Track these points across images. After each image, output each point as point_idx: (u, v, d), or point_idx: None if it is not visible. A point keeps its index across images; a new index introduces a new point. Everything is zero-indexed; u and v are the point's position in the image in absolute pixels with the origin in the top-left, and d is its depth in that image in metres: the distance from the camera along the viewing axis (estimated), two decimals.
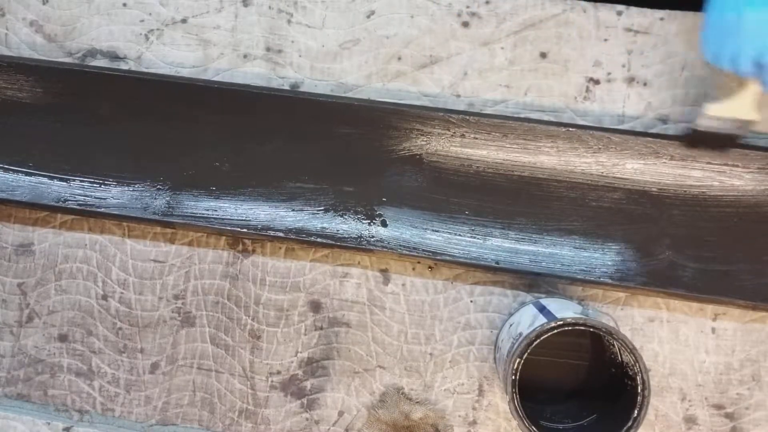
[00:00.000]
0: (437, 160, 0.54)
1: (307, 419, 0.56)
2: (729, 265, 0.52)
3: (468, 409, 0.55)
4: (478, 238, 0.53)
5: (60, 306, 0.58)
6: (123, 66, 0.59)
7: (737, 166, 0.52)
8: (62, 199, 0.56)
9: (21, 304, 0.58)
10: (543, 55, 0.56)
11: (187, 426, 0.57)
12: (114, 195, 0.56)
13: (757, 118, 0.50)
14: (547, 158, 0.53)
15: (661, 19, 0.56)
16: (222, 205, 0.55)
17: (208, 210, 0.55)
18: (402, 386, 0.55)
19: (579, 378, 0.54)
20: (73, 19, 0.59)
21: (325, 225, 0.54)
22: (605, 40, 0.56)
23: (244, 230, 0.54)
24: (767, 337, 0.53)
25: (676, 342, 0.54)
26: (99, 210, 0.56)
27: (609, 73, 0.56)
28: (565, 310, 0.48)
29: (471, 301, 0.55)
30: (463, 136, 0.54)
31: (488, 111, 0.56)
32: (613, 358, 0.49)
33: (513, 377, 0.46)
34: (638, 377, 0.45)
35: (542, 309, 0.50)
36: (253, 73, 0.58)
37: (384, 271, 0.56)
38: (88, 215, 0.57)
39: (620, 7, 0.56)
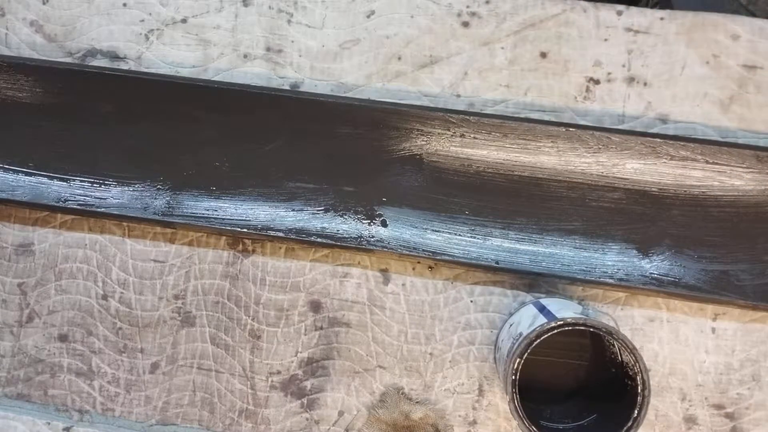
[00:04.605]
0: (437, 160, 0.54)
1: (307, 419, 0.56)
2: (729, 265, 0.52)
3: (468, 409, 0.55)
4: (478, 238, 0.53)
5: (60, 306, 0.58)
6: (123, 66, 0.59)
7: (737, 166, 0.52)
8: (62, 199, 0.56)
9: (21, 304, 0.58)
10: (543, 55, 0.56)
11: (187, 426, 0.57)
12: (114, 195, 0.56)
13: None
14: (547, 158, 0.53)
15: (661, 19, 0.56)
16: (222, 205, 0.55)
17: (208, 210, 0.55)
18: (402, 386, 0.55)
19: (579, 378, 0.54)
20: (73, 19, 0.59)
21: (325, 225, 0.54)
22: (605, 40, 0.56)
23: (244, 230, 0.54)
24: (767, 337, 0.53)
25: (676, 342, 0.54)
26: (99, 210, 0.56)
27: (609, 73, 0.56)
28: (565, 310, 0.48)
29: (471, 301, 0.55)
30: (463, 136, 0.54)
31: (488, 111, 0.56)
32: (613, 358, 0.49)
33: (513, 377, 0.46)
34: (638, 377, 0.45)
35: (542, 309, 0.50)
36: (253, 73, 0.58)
37: (384, 271, 0.56)
38: (88, 215, 0.57)
39: (620, 7, 0.56)
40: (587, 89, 0.56)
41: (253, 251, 0.57)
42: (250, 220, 0.54)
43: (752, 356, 0.53)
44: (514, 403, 0.45)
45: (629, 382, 0.46)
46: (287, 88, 0.58)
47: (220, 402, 0.56)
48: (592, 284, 0.53)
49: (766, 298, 0.51)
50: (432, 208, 0.54)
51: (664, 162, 0.52)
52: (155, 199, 0.55)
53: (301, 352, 0.56)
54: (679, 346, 0.54)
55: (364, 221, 0.54)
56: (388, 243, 0.53)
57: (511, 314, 0.54)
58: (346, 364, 0.56)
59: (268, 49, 0.58)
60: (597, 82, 0.56)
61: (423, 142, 0.54)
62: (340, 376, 0.56)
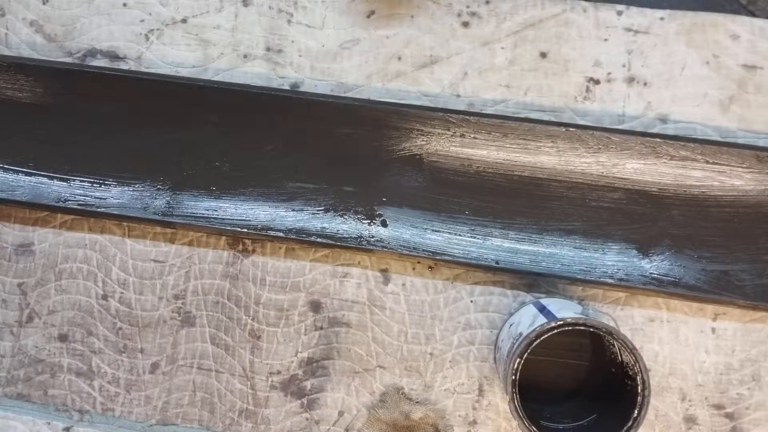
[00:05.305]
0: (437, 160, 0.54)
1: (307, 419, 0.56)
2: (729, 265, 0.52)
3: (468, 409, 0.55)
4: (478, 238, 0.53)
5: (60, 306, 0.58)
6: (123, 66, 0.59)
7: (737, 166, 0.52)
8: (62, 199, 0.56)
9: (21, 304, 0.58)
10: (543, 55, 0.56)
11: (187, 426, 0.57)
12: (114, 195, 0.56)
13: None
14: (547, 158, 0.53)
15: (661, 19, 0.56)
16: (222, 205, 0.55)
17: (208, 210, 0.55)
18: (402, 386, 0.55)
19: (579, 378, 0.54)
20: (73, 19, 0.59)
21: (325, 225, 0.54)
22: (605, 40, 0.56)
23: (244, 230, 0.54)
24: (767, 337, 0.53)
25: (676, 342, 0.54)
26: (99, 210, 0.56)
27: (609, 73, 0.56)
28: (565, 310, 0.48)
29: (471, 301, 0.55)
30: (463, 136, 0.54)
31: (488, 111, 0.56)
32: (613, 358, 0.49)
33: (513, 377, 0.46)
34: (638, 377, 0.45)
35: (542, 309, 0.50)
36: (253, 73, 0.58)
37: (384, 271, 0.56)
38: (88, 215, 0.57)
39: (620, 7, 0.56)
40: (587, 89, 0.56)
41: (253, 251, 0.57)
42: (250, 220, 0.54)
43: (752, 356, 0.53)
44: (514, 403, 0.45)
45: (629, 382, 0.46)
46: (287, 88, 0.58)
47: (220, 402, 0.56)
48: (592, 284, 0.53)
49: (766, 298, 0.51)
50: (432, 208, 0.54)
51: (664, 162, 0.52)
52: (155, 199, 0.56)
53: (301, 352, 0.56)
54: (679, 346, 0.54)
55: (364, 221, 0.54)
56: (388, 243, 0.53)
57: (511, 314, 0.54)
58: (346, 364, 0.56)
59: (268, 49, 0.58)
60: (597, 82, 0.56)
61: (423, 142, 0.54)
62: (340, 376, 0.56)
